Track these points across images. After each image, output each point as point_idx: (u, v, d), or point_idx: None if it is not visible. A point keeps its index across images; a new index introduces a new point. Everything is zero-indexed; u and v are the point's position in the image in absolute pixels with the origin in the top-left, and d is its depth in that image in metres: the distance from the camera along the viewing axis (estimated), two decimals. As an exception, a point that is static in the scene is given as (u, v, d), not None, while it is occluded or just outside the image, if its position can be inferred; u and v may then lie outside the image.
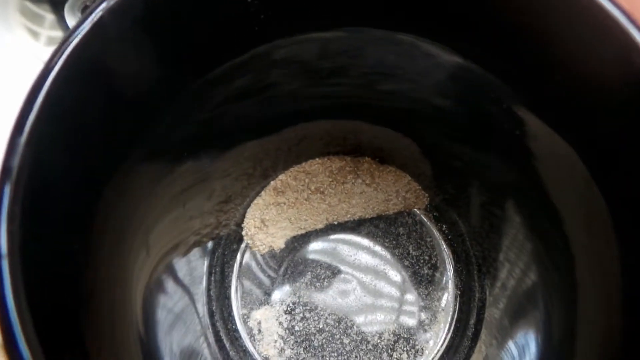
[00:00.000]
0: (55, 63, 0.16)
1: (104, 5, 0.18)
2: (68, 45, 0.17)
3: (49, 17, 0.41)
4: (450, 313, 0.39)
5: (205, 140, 0.34)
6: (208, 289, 0.39)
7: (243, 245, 0.41)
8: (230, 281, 0.40)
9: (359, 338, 0.38)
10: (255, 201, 0.41)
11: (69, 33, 0.17)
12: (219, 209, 0.40)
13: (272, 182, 0.42)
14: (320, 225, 0.41)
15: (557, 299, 0.27)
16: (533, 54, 0.22)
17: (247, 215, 0.41)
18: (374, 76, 0.31)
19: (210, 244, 0.40)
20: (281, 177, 0.42)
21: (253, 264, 0.40)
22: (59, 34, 0.41)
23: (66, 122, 0.19)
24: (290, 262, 0.40)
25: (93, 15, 0.18)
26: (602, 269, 0.22)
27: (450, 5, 0.22)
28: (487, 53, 0.23)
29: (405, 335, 0.38)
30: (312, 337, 0.38)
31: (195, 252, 0.38)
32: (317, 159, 0.42)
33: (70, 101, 0.18)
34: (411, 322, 0.39)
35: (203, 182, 0.37)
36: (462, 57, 0.23)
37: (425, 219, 0.41)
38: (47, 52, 0.37)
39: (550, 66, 0.22)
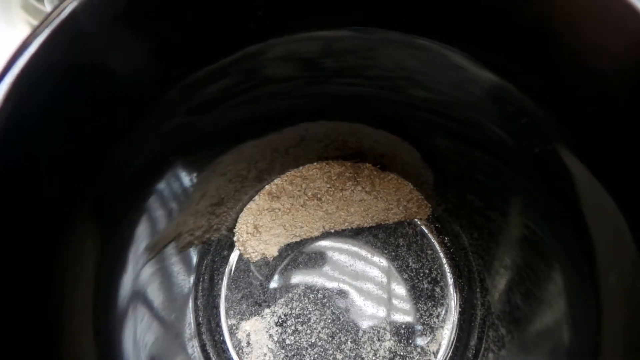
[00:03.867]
0: (17, 59, 0.14)
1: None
2: (33, 39, 0.14)
3: (52, 14, 0.40)
4: (450, 331, 0.37)
5: (192, 141, 0.32)
6: (195, 298, 0.37)
7: (234, 252, 0.39)
8: (219, 290, 0.38)
9: (353, 354, 0.36)
10: (248, 205, 0.39)
11: (36, 27, 0.15)
12: (211, 212, 0.38)
13: (267, 186, 0.39)
14: (316, 233, 0.39)
15: (582, 328, 0.25)
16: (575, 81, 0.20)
17: (240, 220, 0.39)
18: (396, 80, 0.28)
19: (199, 250, 0.37)
20: (277, 181, 0.39)
21: (244, 272, 0.38)
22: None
23: (35, 125, 0.17)
24: (283, 271, 0.38)
25: (66, 5, 0.16)
26: (628, 304, 0.20)
27: (471, 12, 0.20)
28: (522, 71, 0.21)
29: (402, 353, 0.36)
30: (304, 352, 0.36)
31: (183, 259, 0.36)
32: (315, 164, 0.40)
33: (39, 103, 0.16)
34: (408, 339, 0.37)
35: (195, 181, 0.35)
36: (495, 74, 0.21)
37: (426, 230, 0.39)
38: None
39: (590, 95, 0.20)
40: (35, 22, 0.39)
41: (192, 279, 0.37)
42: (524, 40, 0.20)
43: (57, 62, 0.17)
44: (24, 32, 0.40)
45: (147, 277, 0.32)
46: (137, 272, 0.31)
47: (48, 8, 0.37)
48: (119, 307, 0.28)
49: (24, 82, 0.16)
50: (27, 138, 0.18)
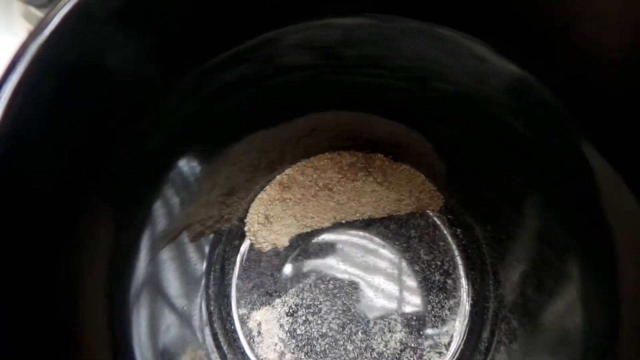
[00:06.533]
0: (22, 56, 0.14)
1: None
2: (39, 33, 0.14)
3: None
4: (462, 324, 0.37)
5: (203, 131, 0.32)
6: (207, 287, 0.37)
7: (245, 242, 0.39)
8: (230, 279, 0.38)
9: (364, 345, 0.36)
10: (259, 196, 0.39)
11: (41, 19, 0.14)
12: (222, 202, 0.38)
13: (278, 177, 0.39)
14: (327, 224, 0.39)
15: (598, 322, 0.24)
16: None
17: (251, 210, 0.39)
18: (417, 72, 0.28)
19: (210, 240, 0.38)
20: (288, 171, 0.39)
21: (255, 262, 0.38)
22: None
23: (42, 120, 0.17)
24: (294, 261, 0.38)
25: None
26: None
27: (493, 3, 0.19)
28: (543, 63, 0.20)
29: (413, 345, 0.36)
30: (315, 342, 0.36)
31: (194, 248, 0.36)
32: (326, 154, 0.39)
33: (46, 98, 0.16)
34: (420, 331, 0.36)
35: (206, 171, 0.35)
36: (517, 65, 0.20)
37: (438, 222, 0.39)
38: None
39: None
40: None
41: (203, 268, 0.37)
42: (543, 30, 0.19)
43: (63, 55, 0.16)
44: (25, 40, 0.40)
45: (158, 266, 0.32)
46: (148, 261, 0.31)
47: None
48: (131, 295, 0.29)
49: (31, 76, 0.16)
50: (35, 134, 0.18)
